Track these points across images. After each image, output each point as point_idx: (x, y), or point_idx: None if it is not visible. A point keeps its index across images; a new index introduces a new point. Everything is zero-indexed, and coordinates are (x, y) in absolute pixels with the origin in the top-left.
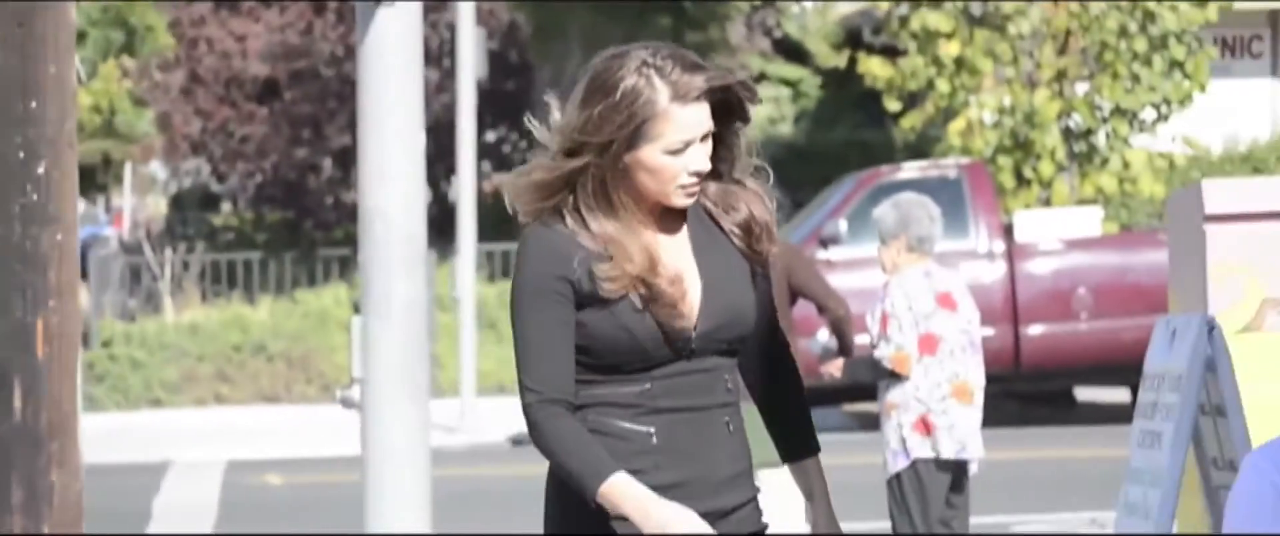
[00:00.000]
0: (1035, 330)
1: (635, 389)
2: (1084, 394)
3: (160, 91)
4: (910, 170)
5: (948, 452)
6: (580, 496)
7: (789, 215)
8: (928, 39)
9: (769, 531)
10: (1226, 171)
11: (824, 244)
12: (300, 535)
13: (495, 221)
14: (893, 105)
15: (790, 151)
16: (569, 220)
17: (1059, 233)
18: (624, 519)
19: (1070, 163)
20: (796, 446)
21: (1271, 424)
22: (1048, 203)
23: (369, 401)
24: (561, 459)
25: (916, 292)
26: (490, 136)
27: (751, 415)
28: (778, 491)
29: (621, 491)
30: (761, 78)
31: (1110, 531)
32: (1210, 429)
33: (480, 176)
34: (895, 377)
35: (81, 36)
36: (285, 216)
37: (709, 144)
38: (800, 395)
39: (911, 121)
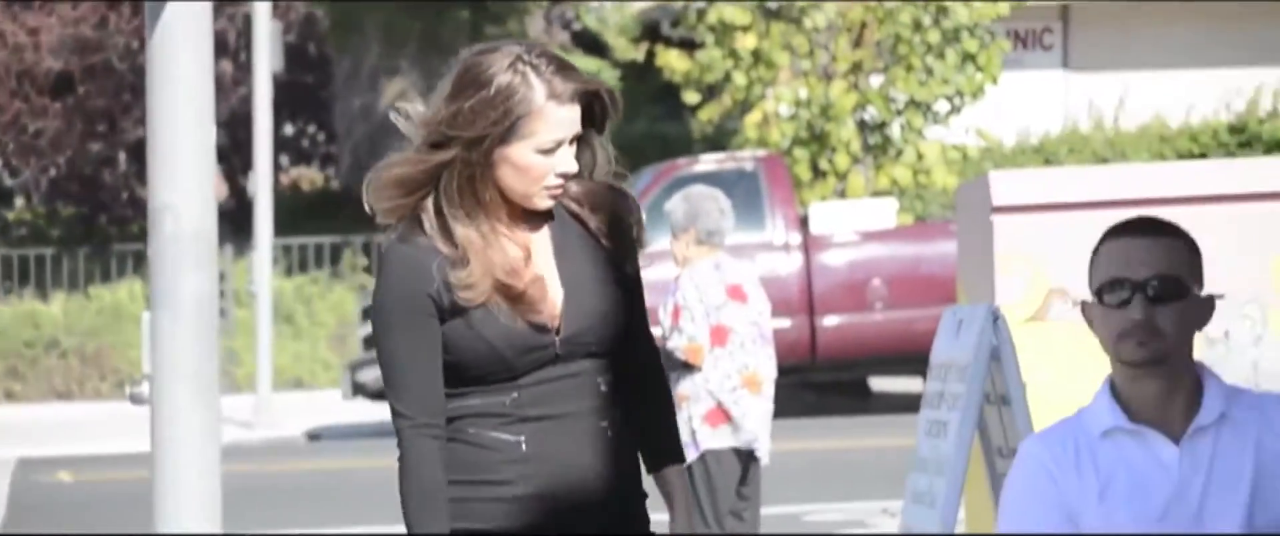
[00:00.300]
0: (831, 321)
1: (503, 398)
2: (878, 384)
3: None
4: (707, 163)
5: (737, 443)
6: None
7: None
8: (725, 32)
9: None
10: (1019, 163)
11: None
12: (89, 535)
13: (293, 215)
14: (691, 98)
15: None
16: (427, 224)
17: (854, 224)
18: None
19: (865, 155)
20: (661, 455)
21: (1055, 412)
22: (843, 195)
23: (158, 397)
24: (404, 494)
25: (707, 285)
26: (288, 129)
27: None
28: None
29: None
30: None
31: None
32: (995, 418)
33: (278, 170)
34: (687, 369)
35: None
36: (80, 211)
37: (575, 146)
38: (668, 403)
39: (709, 114)
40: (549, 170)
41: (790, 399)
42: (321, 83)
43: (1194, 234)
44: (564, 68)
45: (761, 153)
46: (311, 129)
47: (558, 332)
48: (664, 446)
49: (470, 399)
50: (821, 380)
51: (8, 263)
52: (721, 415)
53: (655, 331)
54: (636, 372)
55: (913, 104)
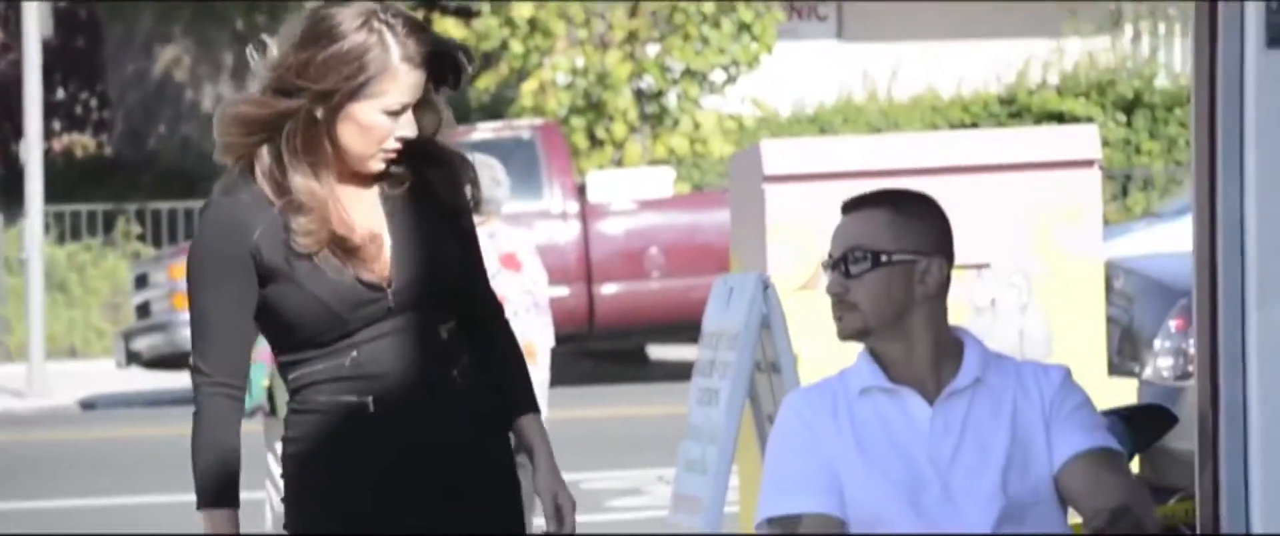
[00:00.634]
0: (609, 289)
1: (343, 360)
2: (656, 351)
3: None
4: (485, 131)
5: None
6: (321, 463)
7: None
8: (501, 0)
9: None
10: (795, 133)
11: None
12: None
13: (65, 182)
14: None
15: None
16: (259, 170)
17: (631, 193)
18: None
19: (642, 124)
20: (514, 407)
21: None
22: (620, 163)
23: None
24: (194, 452)
25: None
26: (60, 94)
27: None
28: None
29: (214, 525)
30: None
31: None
32: (766, 385)
33: (49, 136)
34: None
35: None
36: None
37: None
38: (516, 353)
39: (486, 82)
40: (390, 132)
41: (568, 367)
42: (93, 47)
43: (961, 204)
44: (417, 29)
45: (539, 121)
46: (84, 95)
47: (390, 283)
48: (517, 397)
49: (313, 365)
50: (600, 348)
51: None
52: None
53: None
54: (480, 326)
55: (689, 73)
